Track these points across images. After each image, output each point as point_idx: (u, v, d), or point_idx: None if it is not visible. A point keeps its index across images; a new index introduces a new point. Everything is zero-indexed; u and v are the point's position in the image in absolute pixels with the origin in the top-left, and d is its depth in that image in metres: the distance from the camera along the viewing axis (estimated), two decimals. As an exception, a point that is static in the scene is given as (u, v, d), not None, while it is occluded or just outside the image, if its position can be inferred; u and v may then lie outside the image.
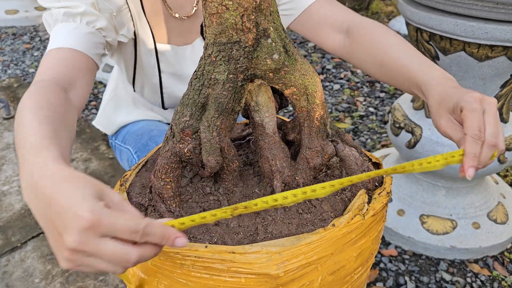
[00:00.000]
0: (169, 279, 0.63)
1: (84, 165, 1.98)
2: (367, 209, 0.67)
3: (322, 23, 0.94)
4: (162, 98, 1.08)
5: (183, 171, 0.74)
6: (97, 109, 2.48)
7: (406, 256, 1.50)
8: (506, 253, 1.50)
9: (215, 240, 0.64)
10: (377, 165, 0.80)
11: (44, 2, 0.81)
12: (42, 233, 1.61)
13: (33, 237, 1.59)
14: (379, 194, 0.70)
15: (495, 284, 1.38)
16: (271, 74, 0.65)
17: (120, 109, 1.20)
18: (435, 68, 0.74)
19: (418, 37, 1.32)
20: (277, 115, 0.83)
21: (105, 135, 2.23)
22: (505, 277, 1.41)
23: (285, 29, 0.68)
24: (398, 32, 3.76)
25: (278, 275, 0.59)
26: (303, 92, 0.68)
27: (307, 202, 0.70)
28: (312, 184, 0.73)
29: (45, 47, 3.36)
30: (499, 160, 1.38)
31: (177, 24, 1.01)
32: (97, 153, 2.07)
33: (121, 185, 0.76)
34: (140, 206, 0.72)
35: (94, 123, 1.25)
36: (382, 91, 2.69)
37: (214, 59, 0.62)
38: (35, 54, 3.25)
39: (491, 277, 1.41)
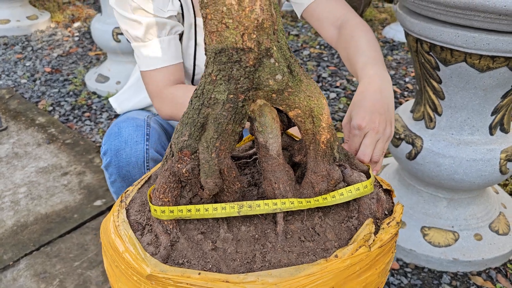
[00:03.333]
0: None
1: (78, 179, 1.94)
2: (373, 240, 0.63)
3: (323, 18, 1.05)
4: (194, 68, 1.14)
5: (182, 191, 0.71)
6: (90, 120, 2.44)
7: (408, 269, 1.47)
8: (509, 265, 1.48)
9: (210, 266, 0.61)
10: (388, 192, 0.76)
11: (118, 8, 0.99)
12: (36, 250, 1.57)
13: (26, 255, 1.54)
14: (388, 224, 0.67)
15: (499, 297, 1.36)
16: (274, 95, 0.63)
17: (139, 95, 1.29)
18: (373, 67, 0.86)
19: (418, 47, 1.30)
20: (289, 132, 0.81)
21: (99, 147, 2.19)
22: (509, 289, 1.39)
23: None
24: (392, 40, 3.78)
25: None
26: (309, 114, 0.65)
27: (310, 229, 0.67)
28: (316, 210, 0.70)
29: (37, 57, 3.32)
30: (500, 171, 1.36)
31: None
32: (91, 166, 2.03)
33: (121, 201, 0.73)
34: (137, 224, 0.69)
35: (110, 99, 1.34)
36: (378, 99, 2.68)
37: (214, 78, 0.60)
38: (27, 64, 3.21)
39: (494, 290, 1.39)
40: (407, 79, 2.96)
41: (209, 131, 0.62)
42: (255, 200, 0.72)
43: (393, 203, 0.75)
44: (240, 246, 0.65)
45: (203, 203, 0.69)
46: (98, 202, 1.80)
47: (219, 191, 0.68)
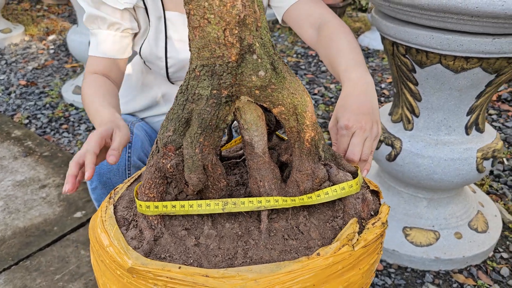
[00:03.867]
0: None
1: (57, 191, 1.90)
2: (357, 240, 0.63)
3: (303, 19, 1.07)
4: (166, 61, 1.14)
5: (168, 187, 0.71)
6: (68, 132, 2.41)
7: (392, 270, 1.49)
8: (488, 262, 1.51)
9: (191, 261, 0.62)
10: (376, 193, 0.77)
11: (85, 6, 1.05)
12: (15, 264, 1.52)
13: (4, 270, 1.50)
14: (373, 224, 0.67)
15: (481, 294, 1.39)
16: (257, 92, 0.63)
17: (123, 99, 1.31)
18: (355, 70, 0.88)
19: (394, 51, 1.34)
20: (278, 133, 0.82)
21: (78, 158, 2.16)
22: (490, 285, 1.42)
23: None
24: (367, 47, 3.85)
25: None
26: (292, 112, 0.65)
27: (294, 227, 0.67)
28: (301, 208, 0.70)
29: (11, 70, 3.26)
30: (477, 169, 1.40)
31: None
32: (70, 178, 2.00)
33: (110, 197, 0.73)
34: (124, 220, 0.69)
35: None
36: (356, 105, 2.72)
37: (198, 74, 0.61)
38: (1, 77, 3.15)
39: (476, 287, 1.41)
40: (383, 85, 3.02)
41: (193, 127, 0.63)
42: (242, 198, 0.72)
43: (380, 204, 0.75)
44: (223, 243, 0.65)
45: (188, 199, 0.69)
46: (78, 214, 1.76)
47: (204, 188, 0.68)
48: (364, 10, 5.37)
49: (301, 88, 0.66)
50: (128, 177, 1.08)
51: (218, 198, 0.68)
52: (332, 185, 0.70)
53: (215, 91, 0.61)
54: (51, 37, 3.99)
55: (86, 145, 0.73)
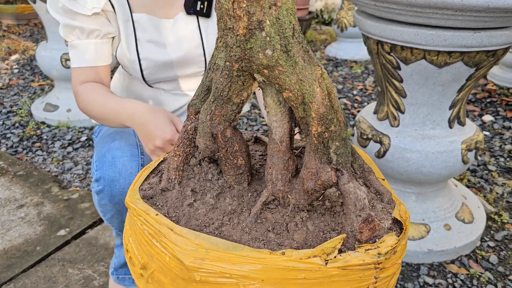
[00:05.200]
0: (134, 234, 0.67)
1: (36, 210, 1.82)
2: (335, 257, 0.56)
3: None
4: (140, 63, 1.12)
5: (195, 150, 0.74)
6: (42, 150, 2.32)
7: (387, 265, 1.50)
8: (477, 251, 1.56)
9: (172, 215, 0.67)
10: (398, 224, 0.66)
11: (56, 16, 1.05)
12: (-3, 288, 1.44)
13: (-14, 294, 1.41)
14: (366, 250, 0.58)
15: (474, 281, 1.43)
16: (265, 71, 0.61)
17: None
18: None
19: (379, 49, 1.38)
20: (258, 135, 0.83)
21: (56, 176, 2.08)
22: (482, 273, 1.46)
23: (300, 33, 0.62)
24: (335, 57, 3.95)
25: (191, 269, 0.56)
26: (301, 101, 0.62)
27: (285, 224, 0.66)
28: (305, 209, 0.67)
29: (-26, 91, 3.12)
30: (463, 161, 1.45)
31: None
32: (49, 196, 1.92)
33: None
34: (158, 170, 0.78)
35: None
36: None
37: (219, 45, 0.63)
38: (-36, 99, 3.01)
39: (469, 275, 1.45)
40: (355, 92, 3.10)
41: (210, 95, 0.66)
42: (258, 183, 0.73)
43: (397, 237, 0.63)
44: (212, 212, 0.67)
45: (210, 167, 0.74)
46: (62, 232, 1.69)
47: (219, 159, 0.70)
48: (327, 23, 5.52)
49: (313, 77, 0.61)
50: None
51: (236, 175, 0.71)
52: (339, 194, 0.65)
53: (228, 63, 0.62)
54: (14, 57, 3.86)
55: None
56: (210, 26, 1.15)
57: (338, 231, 0.64)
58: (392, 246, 0.59)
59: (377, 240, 0.61)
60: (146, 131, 0.93)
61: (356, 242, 0.61)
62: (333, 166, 0.64)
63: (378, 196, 0.68)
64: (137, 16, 1.09)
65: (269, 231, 0.64)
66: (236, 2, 0.57)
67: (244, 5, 0.57)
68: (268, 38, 0.59)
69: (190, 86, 1.22)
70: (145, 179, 0.76)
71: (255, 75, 0.63)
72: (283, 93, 0.64)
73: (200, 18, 1.14)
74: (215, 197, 0.70)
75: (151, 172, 0.78)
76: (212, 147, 0.67)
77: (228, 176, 0.71)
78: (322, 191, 0.65)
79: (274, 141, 0.67)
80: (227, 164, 0.69)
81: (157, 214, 0.63)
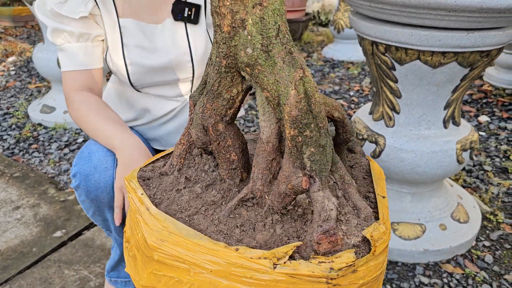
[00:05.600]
0: (129, 210, 0.74)
1: (33, 211, 1.82)
2: (284, 263, 0.55)
3: None
4: (127, 70, 1.12)
5: None
6: (38, 151, 2.32)
7: (383, 265, 1.51)
8: (473, 250, 1.57)
9: (157, 197, 0.71)
10: (367, 243, 0.61)
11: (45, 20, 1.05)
12: (-7, 289, 1.43)
13: (-18, 295, 1.41)
14: (319, 262, 0.56)
15: (470, 281, 1.43)
16: (247, 69, 0.62)
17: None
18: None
19: (374, 50, 1.39)
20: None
21: (53, 177, 2.08)
22: (477, 273, 1.46)
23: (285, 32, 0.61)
24: (332, 59, 3.97)
25: (152, 248, 0.61)
26: (277, 102, 0.61)
27: (254, 223, 0.66)
28: (279, 211, 0.66)
29: (-30, 93, 3.11)
30: (457, 161, 1.45)
31: (145, 1, 1.09)
32: (45, 197, 1.92)
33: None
34: (167, 155, 0.86)
35: None
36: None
37: (214, 40, 0.64)
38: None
39: (464, 275, 1.46)
40: (351, 93, 3.11)
41: (205, 89, 0.69)
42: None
43: (359, 256, 0.59)
44: (194, 200, 0.70)
45: (209, 159, 0.77)
46: (58, 233, 1.69)
47: (213, 152, 0.73)
48: (324, 24, 5.53)
49: (289, 79, 0.59)
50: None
51: (228, 169, 0.72)
52: (309, 201, 0.64)
53: (217, 59, 0.64)
54: (10, 59, 3.86)
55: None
56: (198, 32, 1.15)
57: (302, 239, 0.63)
58: (347, 264, 0.55)
59: (338, 256, 0.58)
60: (130, 167, 0.96)
61: (313, 252, 0.58)
62: (306, 172, 0.62)
63: (355, 211, 0.64)
64: (124, 21, 1.09)
65: (236, 227, 0.65)
66: (221, 0, 0.59)
67: (228, 3, 0.59)
68: (249, 37, 0.60)
69: (178, 92, 1.22)
70: (154, 162, 0.82)
71: (242, 73, 0.65)
72: (263, 93, 0.64)
73: (187, 24, 1.14)
74: (204, 187, 0.73)
75: (163, 157, 0.84)
76: (204, 138, 0.69)
77: (221, 170, 0.73)
78: (293, 196, 0.64)
79: (261, 140, 0.68)
80: (220, 158, 0.70)
81: (142, 194, 0.69)
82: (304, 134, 0.60)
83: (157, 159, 0.84)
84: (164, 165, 0.81)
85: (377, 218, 0.67)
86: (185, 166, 0.77)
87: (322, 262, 0.56)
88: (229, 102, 0.65)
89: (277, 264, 0.54)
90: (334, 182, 0.66)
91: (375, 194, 0.74)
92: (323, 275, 0.54)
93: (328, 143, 0.62)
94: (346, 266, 0.55)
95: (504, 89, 3.03)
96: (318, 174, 0.62)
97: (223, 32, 0.60)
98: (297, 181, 0.62)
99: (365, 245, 0.60)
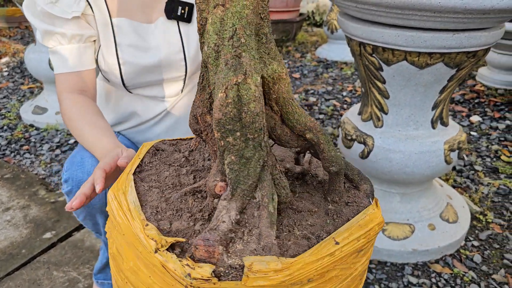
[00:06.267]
0: None
1: (23, 213, 1.82)
2: (161, 247, 0.58)
3: None
4: (119, 67, 1.11)
5: None
6: (30, 153, 2.31)
7: (372, 265, 1.51)
8: (461, 250, 1.57)
9: (146, 180, 0.75)
10: (242, 271, 0.58)
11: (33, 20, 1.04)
12: (-19, 291, 1.43)
13: (-30, 298, 1.40)
14: (186, 264, 0.56)
15: (458, 281, 1.44)
16: (210, 66, 0.62)
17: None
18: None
19: (361, 51, 1.39)
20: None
21: (44, 179, 2.08)
22: (466, 273, 1.47)
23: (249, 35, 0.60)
24: (325, 59, 3.97)
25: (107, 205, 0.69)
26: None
27: (186, 213, 0.67)
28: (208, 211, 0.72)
29: (-38, 94, 3.10)
30: (445, 161, 1.46)
31: (138, 0, 1.09)
32: (36, 199, 1.91)
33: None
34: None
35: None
36: (320, 113, 2.79)
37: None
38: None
39: (453, 275, 1.46)
40: (344, 93, 3.11)
41: None
42: None
43: (212, 274, 0.56)
44: (170, 178, 0.75)
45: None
46: (47, 235, 1.69)
47: (205, 141, 0.74)
48: (319, 25, 5.54)
49: (223, 82, 0.59)
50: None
51: (214, 160, 0.72)
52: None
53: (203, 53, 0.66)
54: (4, 60, 3.85)
55: (90, 178, 0.81)
56: (191, 31, 1.15)
57: (192, 238, 0.63)
58: (202, 276, 0.54)
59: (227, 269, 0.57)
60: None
61: (188, 253, 0.58)
62: (223, 178, 0.62)
63: (257, 237, 0.60)
64: (117, 20, 1.08)
65: (176, 210, 0.67)
66: None
67: (198, 2, 0.62)
68: (207, 36, 0.62)
69: (170, 92, 1.21)
70: (186, 139, 0.89)
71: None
72: (207, 90, 0.68)
73: (180, 23, 1.14)
74: (190, 171, 0.76)
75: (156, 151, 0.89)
76: (195, 126, 0.70)
77: (212, 160, 0.74)
78: (212, 197, 0.65)
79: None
80: (209, 148, 0.70)
81: (134, 180, 0.73)
82: (227, 139, 0.59)
83: (193, 138, 0.88)
84: (172, 153, 0.85)
85: (293, 256, 0.59)
86: (197, 150, 0.82)
87: (187, 265, 0.56)
88: (211, 97, 0.65)
89: (158, 249, 0.58)
90: (261, 201, 0.62)
91: (328, 236, 0.64)
92: (181, 277, 0.55)
93: (257, 157, 0.60)
94: (201, 279, 0.54)
95: (496, 89, 3.05)
96: (232, 184, 0.61)
97: (198, 29, 0.64)
98: (212, 184, 0.62)
99: (239, 272, 0.56)
